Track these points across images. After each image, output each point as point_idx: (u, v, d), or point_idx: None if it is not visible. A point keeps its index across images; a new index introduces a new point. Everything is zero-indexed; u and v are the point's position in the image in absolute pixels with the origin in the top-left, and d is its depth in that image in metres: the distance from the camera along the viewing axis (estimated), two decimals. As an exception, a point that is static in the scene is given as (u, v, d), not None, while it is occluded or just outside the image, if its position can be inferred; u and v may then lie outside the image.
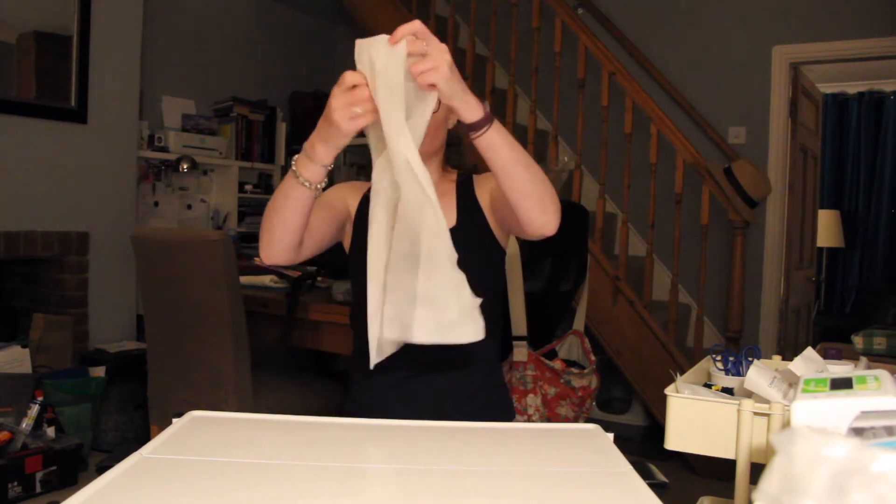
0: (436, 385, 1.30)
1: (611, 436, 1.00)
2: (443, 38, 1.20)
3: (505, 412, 1.39)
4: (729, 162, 3.52)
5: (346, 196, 1.41)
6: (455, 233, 1.24)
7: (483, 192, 1.38)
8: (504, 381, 1.46)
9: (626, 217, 3.27)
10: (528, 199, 1.11)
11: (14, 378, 2.77)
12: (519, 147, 1.12)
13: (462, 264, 1.23)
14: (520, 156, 1.11)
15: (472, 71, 3.58)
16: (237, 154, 4.23)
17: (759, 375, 0.90)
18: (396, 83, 0.92)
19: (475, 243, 1.35)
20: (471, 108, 1.04)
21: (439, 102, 1.13)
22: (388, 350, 1.02)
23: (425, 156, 1.22)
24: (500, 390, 1.42)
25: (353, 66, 0.98)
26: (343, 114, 0.98)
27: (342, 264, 1.45)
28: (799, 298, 3.94)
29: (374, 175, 1.00)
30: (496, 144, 1.07)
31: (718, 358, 1.10)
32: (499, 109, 3.67)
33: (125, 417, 3.08)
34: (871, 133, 5.40)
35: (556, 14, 3.37)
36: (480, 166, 1.45)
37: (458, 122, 1.35)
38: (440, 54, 0.95)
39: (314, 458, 0.86)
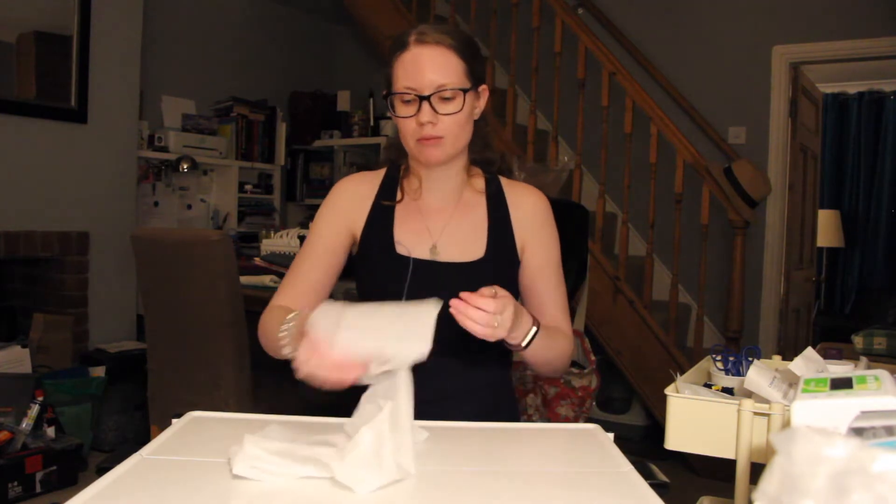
0: (443, 390, 1.22)
1: (611, 436, 1.00)
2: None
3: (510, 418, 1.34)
4: (729, 162, 3.52)
5: (346, 216, 1.28)
6: (482, 265, 1.25)
7: (523, 225, 1.29)
8: (512, 388, 1.39)
9: (626, 217, 3.27)
10: (546, 370, 1.26)
11: (14, 378, 2.77)
12: (552, 338, 1.20)
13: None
14: (552, 350, 1.20)
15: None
16: (237, 154, 4.23)
17: (759, 375, 0.90)
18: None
19: (502, 278, 1.24)
20: (521, 332, 1.10)
21: (463, 101, 1.17)
22: None
23: (450, 157, 1.22)
24: (509, 396, 1.36)
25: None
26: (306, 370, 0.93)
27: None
28: (799, 298, 3.94)
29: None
30: (536, 349, 1.13)
31: (718, 358, 1.10)
32: (499, 109, 3.67)
33: (125, 417, 3.08)
34: (871, 133, 5.40)
35: (556, 14, 3.37)
36: (508, 159, 1.38)
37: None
38: (487, 318, 0.99)
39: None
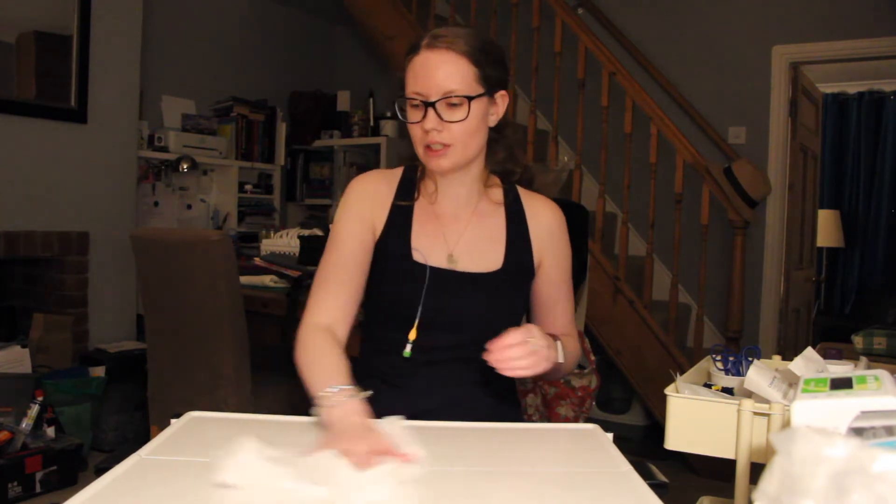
0: (448, 398, 1.23)
1: (611, 436, 1.00)
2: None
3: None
4: (729, 162, 3.52)
5: (367, 217, 1.25)
6: (499, 276, 1.25)
7: (541, 240, 1.29)
8: (515, 391, 1.38)
9: (626, 217, 3.27)
10: (554, 377, 1.26)
11: (14, 378, 2.77)
12: (569, 348, 1.22)
13: (497, 310, 1.25)
14: (569, 361, 1.23)
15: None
16: (237, 154, 4.23)
17: (759, 375, 0.90)
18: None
19: (516, 290, 1.28)
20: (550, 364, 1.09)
21: (469, 109, 1.16)
22: None
23: (459, 165, 1.21)
24: (513, 400, 1.36)
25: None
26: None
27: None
28: (799, 298, 3.94)
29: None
30: (558, 365, 1.14)
31: (718, 358, 1.10)
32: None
33: (125, 417, 3.08)
34: (871, 133, 5.39)
35: (556, 14, 3.37)
36: (533, 169, 1.36)
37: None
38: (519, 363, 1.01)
39: (314, 458, 0.86)
